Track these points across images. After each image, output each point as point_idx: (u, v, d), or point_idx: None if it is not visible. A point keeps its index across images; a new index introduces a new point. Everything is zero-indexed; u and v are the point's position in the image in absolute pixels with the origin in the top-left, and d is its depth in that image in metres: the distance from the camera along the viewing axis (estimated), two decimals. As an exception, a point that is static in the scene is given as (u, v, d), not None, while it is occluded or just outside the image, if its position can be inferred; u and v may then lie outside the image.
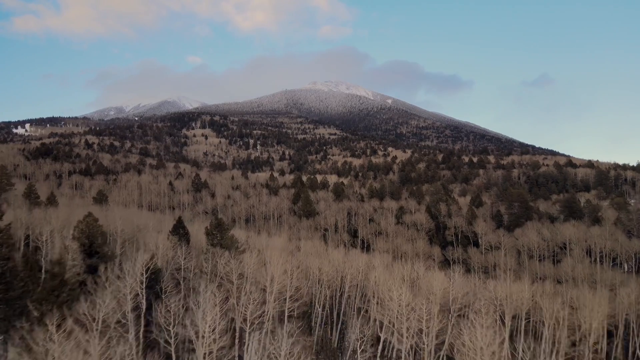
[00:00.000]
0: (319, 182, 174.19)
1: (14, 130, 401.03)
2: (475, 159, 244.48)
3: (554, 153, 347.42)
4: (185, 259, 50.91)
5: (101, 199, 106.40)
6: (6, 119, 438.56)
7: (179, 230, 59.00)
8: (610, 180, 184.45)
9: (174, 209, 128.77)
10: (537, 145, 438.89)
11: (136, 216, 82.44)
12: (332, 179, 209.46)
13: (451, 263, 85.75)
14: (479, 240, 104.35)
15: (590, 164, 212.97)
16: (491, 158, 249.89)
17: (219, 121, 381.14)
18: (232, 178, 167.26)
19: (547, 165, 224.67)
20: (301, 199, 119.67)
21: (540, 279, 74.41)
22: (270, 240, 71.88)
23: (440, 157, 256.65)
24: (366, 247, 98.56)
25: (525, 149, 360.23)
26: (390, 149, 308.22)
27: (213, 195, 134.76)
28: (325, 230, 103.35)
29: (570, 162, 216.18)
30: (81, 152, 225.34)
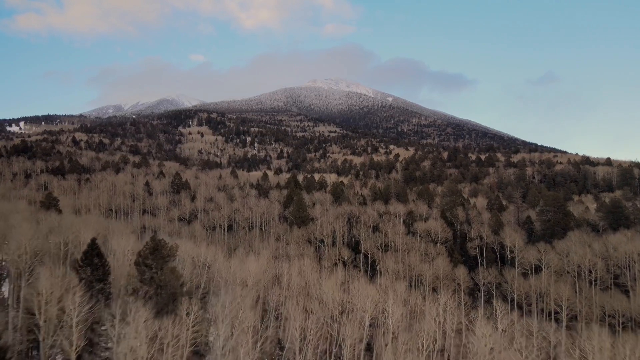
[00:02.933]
0: (316, 181, 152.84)
1: (8, 128, 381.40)
2: (482, 157, 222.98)
3: (557, 151, 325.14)
4: (78, 316, 29.66)
5: (50, 203, 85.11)
6: (3, 117, 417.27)
7: (92, 260, 37.72)
8: (636, 179, 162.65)
9: (144, 213, 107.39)
10: (539, 144, 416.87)
11: (74, 228, 61.17)
12: (332, 178, 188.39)
13: (481, 289, 64.31)
14: (507, 254, 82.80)
15: (608, 162, 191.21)
16: (500, 156, 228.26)
17: (216, 118, 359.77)
18: (220, 177, 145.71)
19: (561, 163, 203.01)
20: (293, 203, 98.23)
21: (609, 316, 53.05)
22: (242, 267, 50.35)
23: (445, 154, 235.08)
24: (370, 265, 77.11)
25: (528, 147, 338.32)
26: (392, 146, 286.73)
27: (193, 198, 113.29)
28: (321, 242, 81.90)
29: (588, 160, 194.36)
30: (63, 150, 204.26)
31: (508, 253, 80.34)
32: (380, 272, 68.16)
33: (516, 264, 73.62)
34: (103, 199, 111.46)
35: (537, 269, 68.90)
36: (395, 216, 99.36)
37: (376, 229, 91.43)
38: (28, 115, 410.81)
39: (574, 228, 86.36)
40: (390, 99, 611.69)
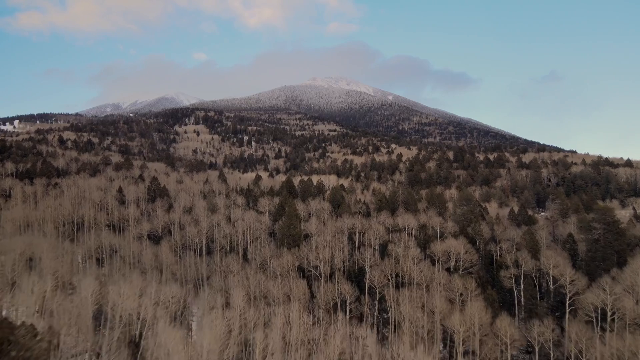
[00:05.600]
0: (314, 184, 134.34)
1: (2, 127, 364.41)
2: (491, 157, 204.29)
3: (563, 150, 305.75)
4: None
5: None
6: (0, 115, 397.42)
7: None
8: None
9: (112, 227, 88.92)
10: (541, 142, 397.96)
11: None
12: (331, 179, 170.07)
13: (536, 350, 45.77)
14: (546, 283, 64.78)
15: (628, 163, 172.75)
16: (509, 156, 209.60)
17: (213, 117, 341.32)
18: (206, 181, 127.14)
19: (576, 163, 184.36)
20: (285, 216, 79.71)
21: None
22: (192, 346, 31.97)
23: (450, 154, 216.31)
24: (379, 302, 58.67)
25: (535, 146, 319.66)
26: (393, 145, 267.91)
27: (170, 208, 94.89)
28: (315, 269, 63.56)
29: (607, 161, 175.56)
30: (44, 150, 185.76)
31: (550, 283, 62.14)
32: (394, 323, 49.93)
33: (567, 302, 55.28)
34: (65, 208, 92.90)
35: (603, 313, 50.48)
36: (406, 232, 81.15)
37: (384, 249, 73.10)
38: (25, 113, 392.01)
39: (626, 250, 68.19)
40: (390, 97, 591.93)
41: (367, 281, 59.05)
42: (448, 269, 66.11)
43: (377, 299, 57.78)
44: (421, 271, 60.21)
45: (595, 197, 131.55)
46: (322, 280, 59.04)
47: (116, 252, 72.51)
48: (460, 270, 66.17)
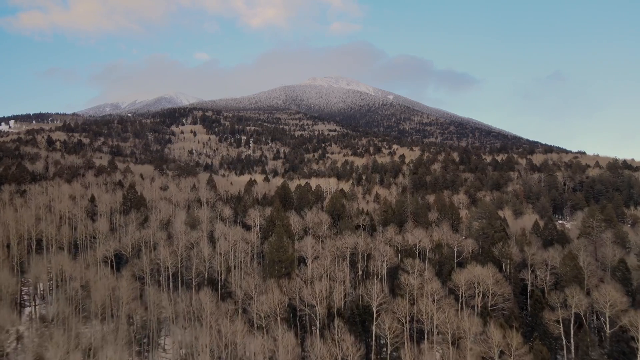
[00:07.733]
0: (312, 189, 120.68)
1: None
2: (498, 158, 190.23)
3: (565, 151, 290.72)
4: None
5: None
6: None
7: None
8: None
9: (70, 248, 74.69)
10: (542, 142, 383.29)
11: None
12: (331, 183, 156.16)
13: None
14: (603, 327, 50.86)
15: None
16: (517, 157, 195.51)
17: (211, 117, 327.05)
18: (193, 187, 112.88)
19: (589, 165, 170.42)
20: (274, 234, 65.40)
21: None
22: None
23: (455, 155, 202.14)
24: (390, 356, 44.61)
25: (542, 147, 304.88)
26: (395, 146, 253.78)
27: (144, 221, 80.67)
28: (310, 308, 49.41)
29: (625, 163, 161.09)
30: (26, 151, 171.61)
31: (607, 326, 48.02)
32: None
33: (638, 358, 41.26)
34: (26, 222, 78.45)
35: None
36: (417, 250, 67.23)
37: (394, 276, 59.10)
38: (23, 113, 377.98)
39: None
40: (391, 97, 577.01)
41: (374, 328, 44.82)
42: (474, 307, 52.13)
43: (389, 352, 43.58)
44: (444, 312, 46.07)
45: (619, 204, 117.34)
46: (318, 327, 44.80)
47: (64, 284, 58.20)
48: (489, 305, 52.24)
